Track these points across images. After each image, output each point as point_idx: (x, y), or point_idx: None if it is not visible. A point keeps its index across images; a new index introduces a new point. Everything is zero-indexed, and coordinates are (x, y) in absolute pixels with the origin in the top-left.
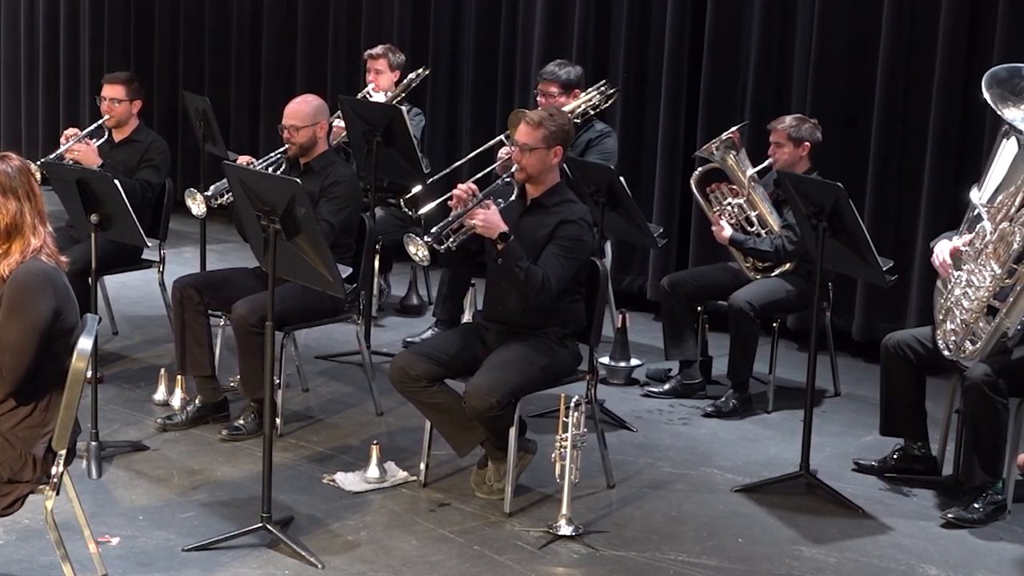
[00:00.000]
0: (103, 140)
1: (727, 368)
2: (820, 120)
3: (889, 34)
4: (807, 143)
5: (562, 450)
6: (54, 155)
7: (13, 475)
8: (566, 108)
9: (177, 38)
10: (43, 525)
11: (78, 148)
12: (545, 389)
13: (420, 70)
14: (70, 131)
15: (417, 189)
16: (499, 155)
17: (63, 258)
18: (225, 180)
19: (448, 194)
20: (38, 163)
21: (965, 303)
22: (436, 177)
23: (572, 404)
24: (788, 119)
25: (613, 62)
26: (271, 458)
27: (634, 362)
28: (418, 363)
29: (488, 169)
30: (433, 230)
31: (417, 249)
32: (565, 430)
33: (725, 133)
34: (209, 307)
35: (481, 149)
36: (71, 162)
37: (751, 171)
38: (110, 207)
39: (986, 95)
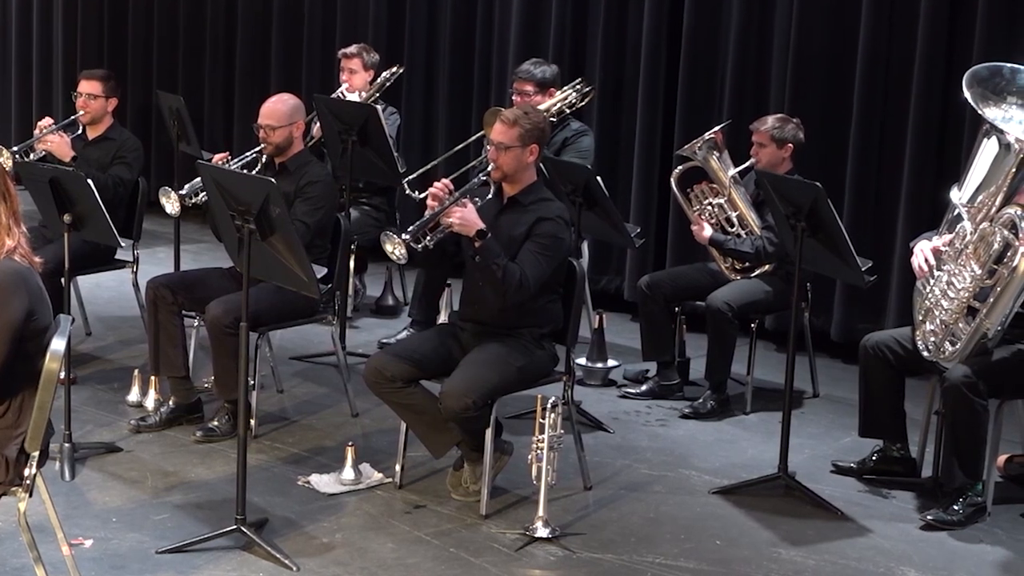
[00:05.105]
0: (76, 136)
1: (705, 369)
2: (799, 119)
3: (868, 33)
4: (790, 144)
5: (539, 452)
6: (26, 143)
7: None
8: (542, 107)
9: (151, 37)
10: (16, 527)
11: (51, 140)
12: (521, 390)
13: (394, 68)
14: (44, 121)
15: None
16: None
17: (37, 259)
18: (199, 179)
19: (426, 193)
20: (10, 151)
21: (945, 304)
22: (412, 177)
23: (549, 405)
24: (771, 119)
25: (589, 61)
26: (245, 460)
27: (611, 363)
28: (393, 364)
29: (465, 168)
30: (410, 228)
31: (394, 248)
32: (542, 431)
33: (708, 133)
34: (183, 307)
35: (459, 147)
36: (43, 152)
37: (732, 171)
38: (83, 207)
39: (967, 94)
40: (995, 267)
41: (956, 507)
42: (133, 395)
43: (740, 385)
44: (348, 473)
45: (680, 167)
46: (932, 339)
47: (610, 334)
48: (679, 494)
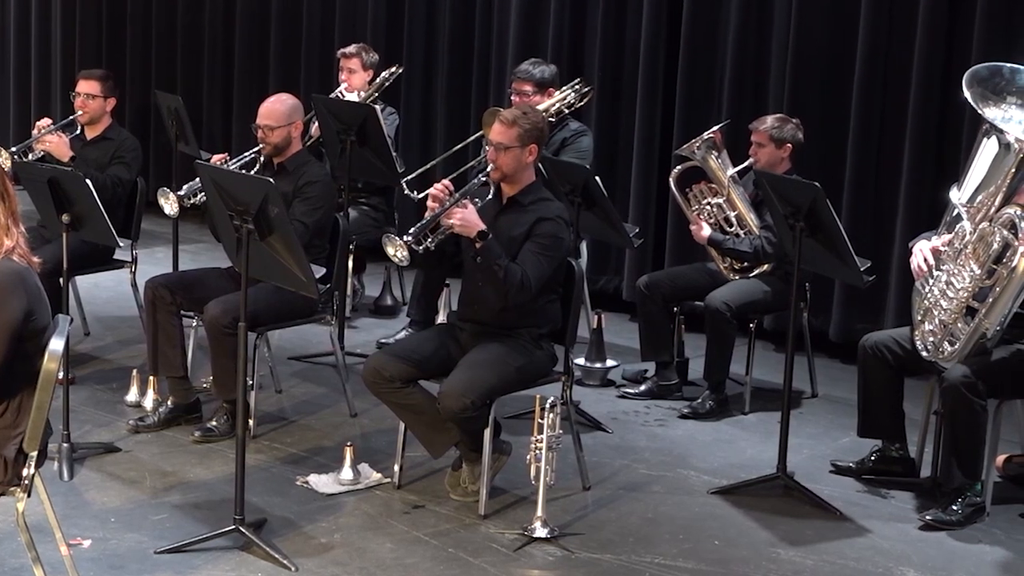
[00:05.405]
0: (74, 136)
1: (703, 369)
2: (798, 119)
3: (867, 32)
4: (789, 144)
5: (537, 452)
6: (24, 143)
7: None
8: (540, 107)
9: (149, 36)
10: (14, 527)
11: (50, 140)
12: (520, 390)
13: (393, 68)
14: (43, 121)
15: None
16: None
17: (35, 259)
18: (198, 179)
19: (424, 193)
20: (9, 151)
21: (944, 304)
22: (410, 177)
23: (547, 405)
24: (770, 119)
25: (588, 61)
26: (244, 460)
27: (610, 363)
28: (392, 364)
29: (463, 168)
30: (412, 230)
31: (396, 250)
32: (540, 432)
33: (707, 132)
34: (181, 308)
35: (458, 148)
36: (41, 152)
37: (731, 171)
38: (82, 207)
39: (967, 94)
40: (994, 267)
41: (955, 507)
42: (131, 395)
43: (739, 385)
44: (347, 473)
45: (679, 167)
46: (931, 339)
47: (609, 334)
48: (678, 494)
